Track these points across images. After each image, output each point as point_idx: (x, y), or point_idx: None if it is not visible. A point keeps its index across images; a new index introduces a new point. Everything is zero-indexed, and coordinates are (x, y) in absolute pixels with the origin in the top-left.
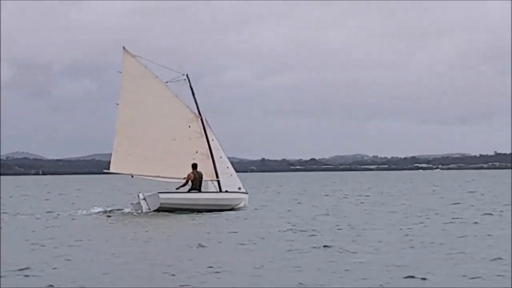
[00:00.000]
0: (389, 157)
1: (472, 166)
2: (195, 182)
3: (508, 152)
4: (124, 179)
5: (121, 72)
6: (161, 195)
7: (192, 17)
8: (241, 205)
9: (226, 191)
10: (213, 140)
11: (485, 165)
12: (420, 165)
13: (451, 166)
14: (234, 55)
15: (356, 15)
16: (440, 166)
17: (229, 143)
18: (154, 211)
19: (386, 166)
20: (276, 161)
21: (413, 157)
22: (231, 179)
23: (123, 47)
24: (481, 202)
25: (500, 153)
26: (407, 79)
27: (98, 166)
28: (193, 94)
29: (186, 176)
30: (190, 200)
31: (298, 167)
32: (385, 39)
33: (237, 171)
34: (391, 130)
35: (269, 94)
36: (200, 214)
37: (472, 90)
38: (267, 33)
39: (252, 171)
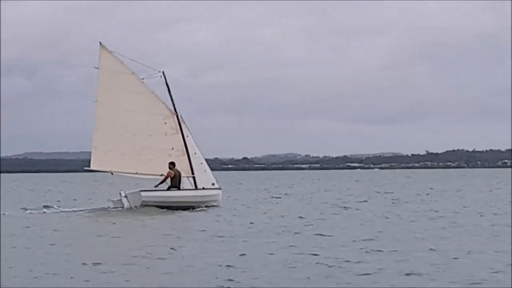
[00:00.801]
0: (321, 156)
1: (403, 165)
2: (175, 179)
3: (440, 151)
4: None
5: (97, 68)
6: (143, 193)
7: (127, 15)
8: (217, 201)
9: (203, 188)
10: (187, 136)
11: (417, 165)
12: (352, 164)
13: (383, 165)
14: (168, 53)
15: (288, 14)
16: (372, 165)
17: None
18: (135, 208)
19: (318, 165)
20: (208, 159)
21: (345, 156)
22: (205, 175)
23: (100, 43)
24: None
25: (432, 153)
26: (339, 78)
27: (31, 164)
28: (169, 91)
29: (162, 173)
30: (170, 198)
31: (230, 166)
32: (316, 38)
33: None
34: (323, 130)
35: (202, 92)
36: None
37: (404, 90)
38: (201, 32)
39: None
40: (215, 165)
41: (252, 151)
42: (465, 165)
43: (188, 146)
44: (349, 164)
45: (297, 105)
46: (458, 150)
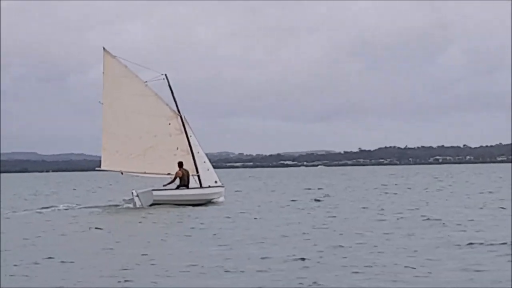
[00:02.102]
0: (254, 154)
1: (336, 163)
2: (183, 179)
3: (372, 149)
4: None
5: (102, 73)
6: (154, 192)
7: (58, 15)
8: (222, 197)
9: (209, 186)
10: (191, 136)
11: (349, 162)
12: (285, 162)
13: (315, 163)
14: (100, 53)
15: (222, 13)
16: (305, 163)
17: (95, 143)
18: (148, 206)
19: (251, 163)
20: None
21: (278, 154)
22: (208, 173)
23: (103, 48)
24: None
25: (364, 150)
26: (272, 76)
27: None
28: (172, 93)
29: (169, 172)
30: (180, 196)
31: None
32: (251, 37)
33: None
34: (255, 128)
35: None
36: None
37: (336, 88)
38: (134, 31)
39: None
40: None
41: None
42: (397, 162)
43: (192, 146)
44: (282, 162)
45: (230, 104)
46: (390, 147)
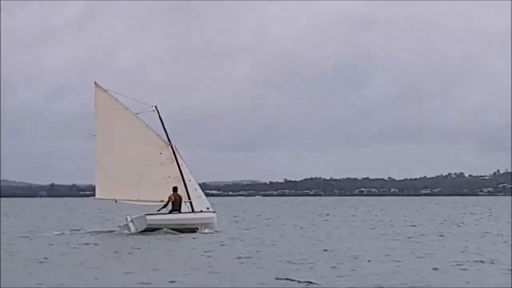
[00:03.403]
0: None
1: (261, 193)
2: (175, 203)
3: (298, 179)
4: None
5: (95, 106)
6: (147, 217)
7: None
8: (213, 223)
9: (201, 211)
10: (182, 165)
11: (275, 192)
12: (211, 192)
13: (241, 192)
14: (22, 77)
15: (147, 36)
16: (230, 192)
17: (17, 167)
18: (141, 232)
19: None
20: (65, 186)
21: (203, 183)
22: (199, 200)
23: (95, 83)
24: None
25: (290, 180)
26: (195, 103)
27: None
28: (162, 123)
29: (162, 199)
30: (173, 221)
31: (88, 192)
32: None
33: (23, 196)
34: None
35: (58, 116)
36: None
37: (262, 116)
38: (57, 56)
39: (41, 196)
40: (72, 191)
41: None
42: (322, 193)
43: (184, 174)
44: (207, 191)
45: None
46: (316, 178)
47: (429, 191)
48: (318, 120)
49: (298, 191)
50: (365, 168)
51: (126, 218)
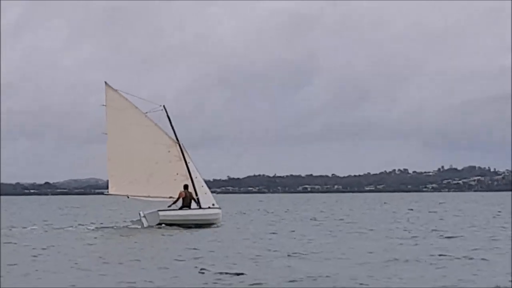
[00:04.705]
0: None
1: None
2: (186, 200)
3: (241, 176)
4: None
5: (105, 105)
6: (160, 213)
7: None
8: (219, 219)
9: (209, 207)
10: (189, 162)
11: (218, 190)
12: None
13: None
14: None
15: (91, 39)
16: None
17: None
18: (154, 226)
19: None
20: (10, 184)
21: None
22: (206, 197)
23: (105, 82)
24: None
25: (233, 178)
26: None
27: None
28: (170, 122)
29: (171, 195)
30: (184, 216)
31: (32, 191)
32: (115, 63)
33: None
34: None
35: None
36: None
37: (203, 116)
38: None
39: None
40: (17, 190)
41: (55, 176)
42: (266, 190)
43: (191, 171)
44: None
45: (98, 130)
46: (260, 175)
47: (373, 188)
48: (261, 119)
49: (241, 188)
50: (308, 166)
51: (139, 214)
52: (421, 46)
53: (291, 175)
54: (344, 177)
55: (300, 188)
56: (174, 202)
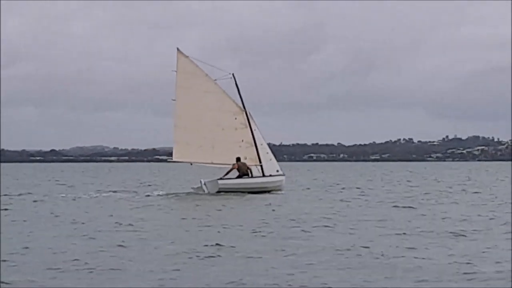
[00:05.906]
0: (129, 149)
1: None
2: (241, 170)
3: None
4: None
5: (175, 71)
6: (219, 181)
7: None
8: (282, 186)
9: (270, 175)
10: (255, 130)
11: None
12: (161, 157)
13: None
14: None
15: (99, 7)
16: None
17: None
18: (213, 193)
19: (126, 157)
20: (16, 151)
21: (153, 149)
22: (270, 163)
23: (177, 48)
24: None
25: None
26: (146, 71)
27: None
28: (238, 90)
29: (234, 162)
30: (243, 184)
31: (38, 158)
32: (125, 31)
33: None
34: (131, 122)
35: (8, 84)
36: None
37: None
38: (8, 24)
39: None
40: (23, 157)
41: (61, 143)
42: None
43: (256, 139)
44: (157, 157)
45: (106, 98)
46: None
47: (378, 157)
48: (268, 87)
49: None
50: (314, 134)
51: (200, 181)
52: (428, 16)
53: (297, 144)
54: (349, 146)
55: (305, 157)
56: (227, 173)
